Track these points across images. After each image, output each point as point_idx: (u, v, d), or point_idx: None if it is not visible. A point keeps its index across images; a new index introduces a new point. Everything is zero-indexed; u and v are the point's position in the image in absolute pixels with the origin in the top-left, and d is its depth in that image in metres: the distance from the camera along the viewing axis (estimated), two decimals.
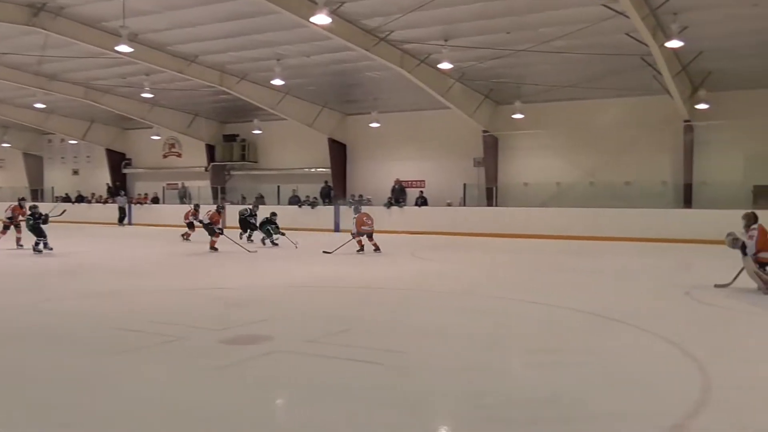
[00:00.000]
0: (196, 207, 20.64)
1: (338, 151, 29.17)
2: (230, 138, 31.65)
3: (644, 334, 6.77)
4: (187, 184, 31.81)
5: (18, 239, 16.17)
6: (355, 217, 16.26)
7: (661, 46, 16.57)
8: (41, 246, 14.95)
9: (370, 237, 15.82)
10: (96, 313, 8.11)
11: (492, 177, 25.50)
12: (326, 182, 27.89)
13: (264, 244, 17.83)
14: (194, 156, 32.49)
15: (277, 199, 28.11)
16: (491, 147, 25.69)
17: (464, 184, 25.75)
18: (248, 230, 19.04)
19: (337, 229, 24.97)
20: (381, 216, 23.83)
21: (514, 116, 23.88)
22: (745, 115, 20.86)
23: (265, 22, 17.81)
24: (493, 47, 18.65)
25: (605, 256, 15.36)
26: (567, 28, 16.64)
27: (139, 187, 34.10)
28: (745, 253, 9.25)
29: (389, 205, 24.74)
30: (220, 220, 17.24)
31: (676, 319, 7.74)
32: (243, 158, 31.22)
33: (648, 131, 22.48)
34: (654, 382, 5.10)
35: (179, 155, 33.75)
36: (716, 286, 9.60)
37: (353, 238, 15.74)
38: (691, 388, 4.88)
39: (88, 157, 36.80)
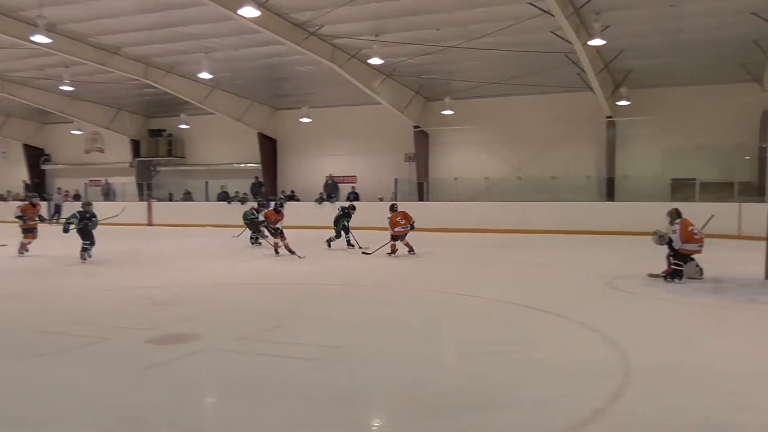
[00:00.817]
0: (261, 204, 17.67)
1: (268, 147, 28.81)
2: (156, 133, 30.80)
3: (569, 323, 7.03)
4: (111, 180, 30.71)
5: (23, 245, 14.28)
6: (389, 217, 14.34)
7: (585, 44, 17.13)
8: (88, 253, 13.08)
9: (403, 238, 14.23)
10: (14, 314, 7.77)
11: (423, 172, 25.80)
12: (257, 178, 27.49)
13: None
14: (118, 151, 31.38)
15: (206, 195, 27.55)
16: (422, 142, 25.99)
17: (396, 179, 25.91)
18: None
19: None
20: (311, 212, 23.87)
21: (444, 112, 24.22)
22: (663, 112, 21.85)
23: (191, 13, 17.35)
24: (423, 43, 18.84)
25: (533, 248, 15.75)
26: (495, 25, 16.97)
27: (59, 184, 32.69)
28: (671, 248, 9.69)
29: (320, 200, 24.65)
30: (281, 220, 14.67)
31: (598, 308, 8.05)
32: (170, 153, 30.43)
33: (573, 127, 23.24)
34: (578, 369, 5.31)
35: (102, 151, 32.52)
36: (650, 275, 10.05)
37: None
38: (613, 373, 5.10)
39: (3, 152, 35.02)
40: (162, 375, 5.22)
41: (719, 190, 19.83)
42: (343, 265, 12.94)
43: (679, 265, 9.59)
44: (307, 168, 27.85)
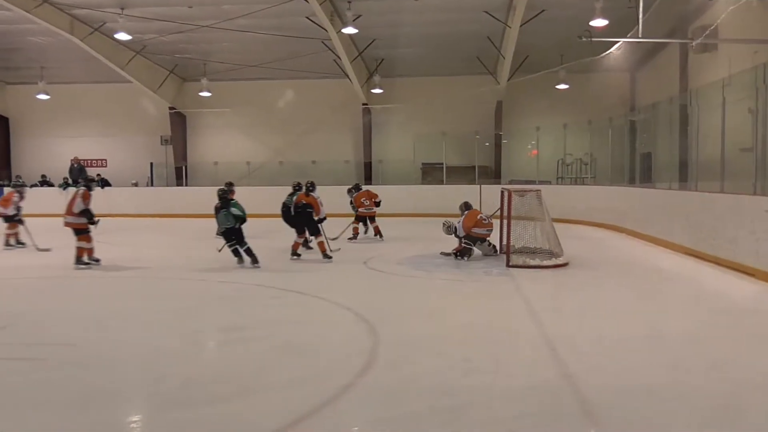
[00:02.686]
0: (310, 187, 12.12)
1: None
2: None
3: (322, 303, 7.25)
4: None
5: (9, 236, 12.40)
6: (353, 198, 13.61)
7: (339, 31, 17.70)
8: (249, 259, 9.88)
9: (372, 220, 13.60)
10: None
11: (181, 156, 24.84)
12: None
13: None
14: None
15: None
16: (179, 125, 24.99)
17: (151, 163, 24.64)
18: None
19: None
20: (55, 199, 21.64)
21: (202, 94, 23.47)
22: (413, 100, 23.46)
23: None
24: (175, 20, 18.00)
25: (285, 234, 15.94)
26: (251, 7, 16.80)
27: None
28: (458, 236, 10.56)
29: (65, 186, 22.48)
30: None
31: (351, 287, 8.43)
32: None
33: (331, 113, 23.98)
34: (330, 347, 5.52)
35: None
36: (442, 253, 10.75)
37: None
38: (363, 348, 5.36)
39: None
40: None
41: (463, 174, 21.86)
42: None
43: (469, 244, 10.46)
44: (47, 150, 25.25)
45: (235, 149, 24.36)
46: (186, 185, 23.81)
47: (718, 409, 4.09)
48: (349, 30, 17.12)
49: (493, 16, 17.52)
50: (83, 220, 10.01)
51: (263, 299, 7.79)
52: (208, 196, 20.96)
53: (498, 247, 10.90)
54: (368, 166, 23.89)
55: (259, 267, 9.61)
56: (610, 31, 14.91)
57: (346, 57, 19.95)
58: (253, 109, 24.40)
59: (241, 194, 21.48)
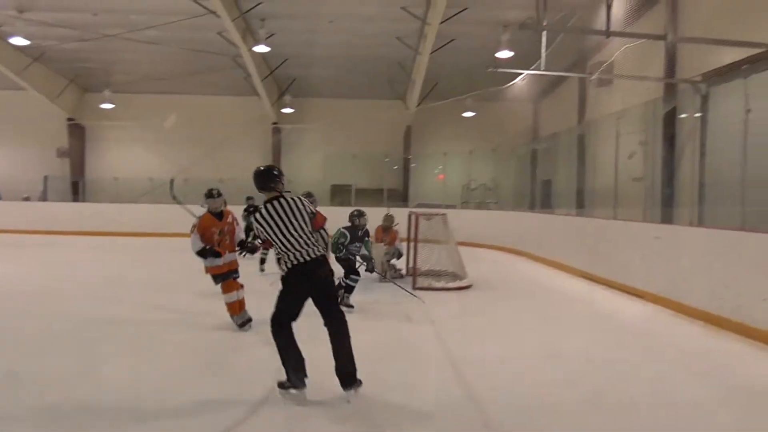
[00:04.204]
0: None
1: None
2: None
3: (230, 327, 7.04)
4: None
5: None
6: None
7: (250, 49, 17.53)
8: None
9: None
10: None
11: (78, 170, 23.71)
12: None
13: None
14: None
15: None
16: (77, 137, 23.91)
17: (46, 177, 23.35)
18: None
19: None
20: None
21: (104, 106, 22.60)
22: (324, 121, 23.44)
23: None
24: (78, 28, 17.26)
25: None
26: (159, 18, 16.35)
27: None
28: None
29: None
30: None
31: (259, 312, 8.22)
32: None
33: (240, 130, 23.59)
34: (236, 371, 5.35)
35: None
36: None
37: None
38: (271, 370, 5.25)
39: None
40: None
41: (372, 196, 22.04)
42: None
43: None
44: None
45: (137, 164, 23.49)
46: (83, 200, 22.70)
47: (613, 424, 4.26)
48: (261, 48, 16.99)
49: (404, 43, 17.88)
50: None
51: (167, 322, 7.49)
52: (106, 213, 20.20)
53: (404, 270, 11.02)
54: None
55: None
56: (515, 62, 15.51)
57: (257, 75, 19.76)
58: (159, 123, 23.58)
59: (142, 212, 20.96)
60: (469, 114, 22.04)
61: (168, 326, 7.09)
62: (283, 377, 4.68)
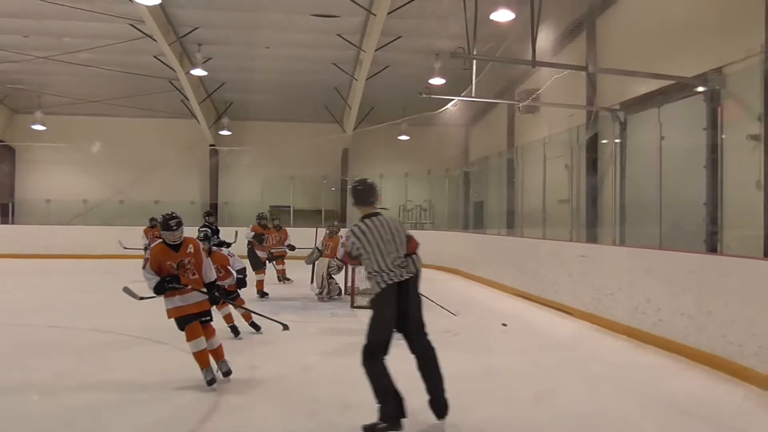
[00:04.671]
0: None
1: None
2: None
3: (164, 348, 6.85)
4: None
5: None
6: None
7: (188, 73, 17.31)
8: None
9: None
10: None
11: (7, 192, 22.73)
12: None
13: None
14: None
15: None
16: (7, 159, 23.03)
17: None
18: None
19: None
20: None
21: (35, 127, 21.77)
22: (262, 143, 23.33)
23: None
24: (7, 49, 16.64)
25: (129, 273, 15.04)
26: (94, 41, 15.98)
27: None
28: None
29: None
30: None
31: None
32: None
33: (177, 152, 23.17)
34: (173, 395, 5.21)
35: None
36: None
37: None
38: (206, 395, 5.14)
39: None
40: None
41: (310, 217, 21.92)
42: None
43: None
44: None
45: (71, 186, 22.68)
46: (12, 223, 21.74)
47: None
48: (198, 72, 16.80)
49: (341, 69, 18.00)
50: None
51: (102, 344, 7.23)
52: (37, 235, 19.39)
53: (342, 289, 11.00)
54: (214, 207, 23.24)
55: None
56: (447, 89, 15.86)
57: (194, 98, 19.49)
58: (92, 145, 22.95)
59: (76, 233, 20.20)
60: (404, 137, 22.30)
61: (99, 348, 6.85)
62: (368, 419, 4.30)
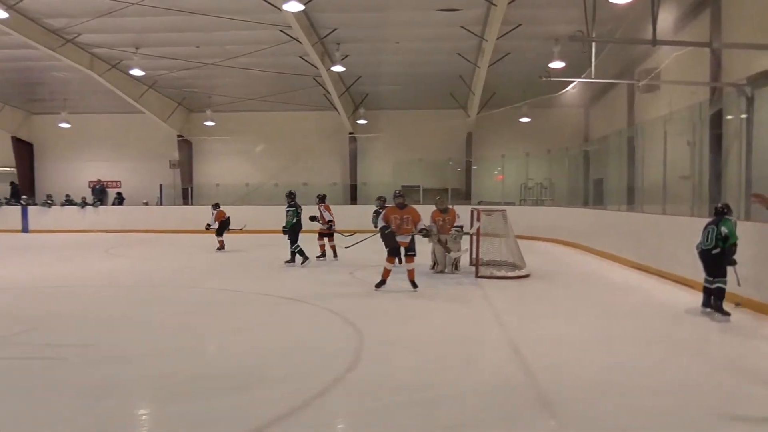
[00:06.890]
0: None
1: (24, 151, 25.39)
2: None
3: (313, 308, 7.24)
4: None
5: None
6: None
7: (328, 69, 17.82)
8: None
9: (330, 237, 12.50)
10: None
11: (187, 178, 24.77)
12: (12, 182, 24.15)
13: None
14: None
15: None
16: (186, 150, 24.95)
17: (161, 185, 24.54)
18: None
19: (25, 230, 21.90)
20: (76, 215, 21.71)
21: (206, 123, 23.47)
22: (393, 130, 23.65)
23: None
24: (183, 59, 18.07)
25: (285, 246, 15.88)
26: (250, 47, 16.90)
27: None
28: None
29: (83, 205, 22.30)
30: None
31: (339, 295, 8.39)
32: None
33: (321, 140, 24.06)
34: (320, 346, 5.51)
35: None
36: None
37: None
38: (349, 347, 5.37)
39: None
40: None
41: (438, 195, 21.90)
42: (108, 267, 11.78)
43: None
44: (67, 173, 25.13)
45: (235, 172, 24.32)
46: (191, 204, 23.71)
47: (659, 405, 4.13)
48: (338, 68, 17.26)
49: (464, 58, 17.75)
50: None
51: (261, 304, 7.76)
52: (211, 214, 20.88)
53: (469, 260, 10.92)
54: (354, 188, 24.01)
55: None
56: (567, 72, 15.19)
57: (334, 92, 20.07)
58: (252, 137, 24.43)
59: (240, 212, 21.58)
60: (525, 120, 21.65)
61: (262, 308, 7.35)
62: None
